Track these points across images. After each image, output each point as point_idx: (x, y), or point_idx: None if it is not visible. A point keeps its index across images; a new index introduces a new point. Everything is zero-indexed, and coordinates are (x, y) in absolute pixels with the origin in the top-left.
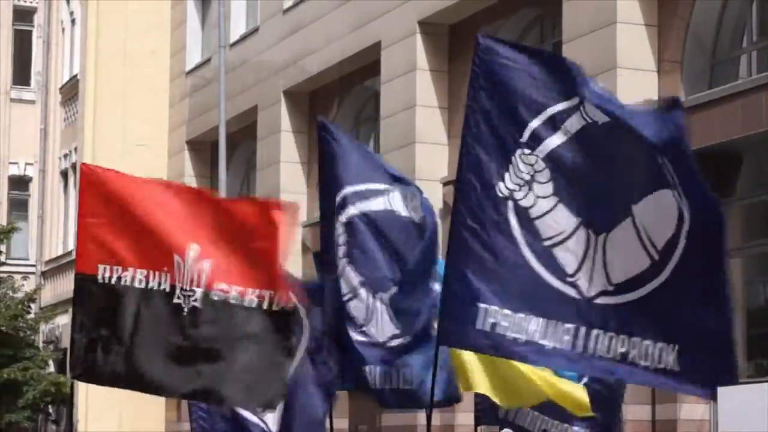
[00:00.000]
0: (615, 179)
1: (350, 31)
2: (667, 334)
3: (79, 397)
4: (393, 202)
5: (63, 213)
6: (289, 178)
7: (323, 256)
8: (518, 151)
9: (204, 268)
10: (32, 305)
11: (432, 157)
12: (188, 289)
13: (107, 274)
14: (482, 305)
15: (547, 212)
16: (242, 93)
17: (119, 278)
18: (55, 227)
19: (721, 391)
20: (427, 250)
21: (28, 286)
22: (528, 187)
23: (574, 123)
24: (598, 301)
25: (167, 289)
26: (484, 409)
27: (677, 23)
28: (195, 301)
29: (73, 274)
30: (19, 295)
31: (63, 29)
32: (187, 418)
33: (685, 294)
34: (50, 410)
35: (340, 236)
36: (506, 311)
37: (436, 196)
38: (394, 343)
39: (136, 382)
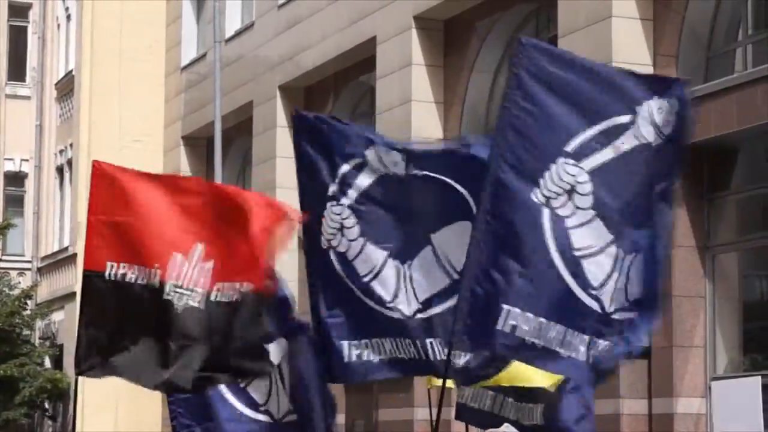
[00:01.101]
0: (641, 201)
1: (345, 27)
2: None
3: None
4: (374, 166)
5: (59, 209)
6: (284, 173)
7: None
8: (560, 160)
9: (207, 268)
10: (28, 302)
11: None
12: (188, 288)
13: (114, 271)
14: (505, 306)
15: (584, 224)
16: (238, 88)
17: (124, 275)
18: (50, 223)
19: (716, 384)
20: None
21: (24, 282)
22: (568, 196)
23: (625, 140)
24: (616, 316)
25: (156, 285)
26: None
27: (672, 17)
28: (195, 301)
29: (68, 270)
30: (15, 291)
31: (58, 25)
32: None
33: None
34: (47, 406)
35: (347, 219)
36: (529, 315)
37: None
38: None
39: (140, 377)
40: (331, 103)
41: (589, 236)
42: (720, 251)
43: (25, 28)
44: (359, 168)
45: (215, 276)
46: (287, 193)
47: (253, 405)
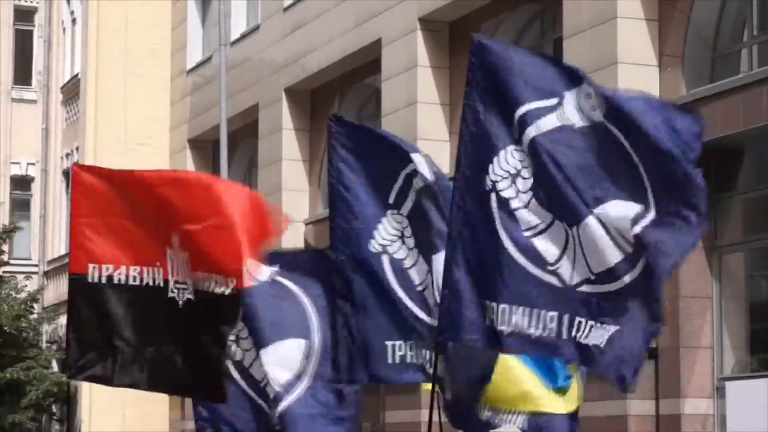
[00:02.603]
0: (580, 179)
1: (351, 29)
2: (643, 325)
3: (82, 397)
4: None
5: (65, 213)
6: (290, 175)
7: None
8: (510, 147)
9: (184, 258)
10: (35, 305)
11: (433, 154)
12: (181, 281)
13: (97, 273)
14: (478, 299)
15: (525, 205)
16: (243, 91)
17: (110, 277)
18: (57, 227)
19: (729, 384)
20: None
21: (31, 286)
22: (512, 180)
23: (548, 122)
24: (582, 288)
25: (161, 284)
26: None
27: (678, 17)
28: (189, 293)
29: None
30: (22, 295)
31: (64, 29)
32: (191, 417)
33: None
34: (54, 410)
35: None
36: (491, 303)
37: None
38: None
39: (134, 380)
40: (336, 106)
41: (533, 216)
42: (727, 251)
43: (30, 32)
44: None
45: (193, 266)
46: (293, 196)
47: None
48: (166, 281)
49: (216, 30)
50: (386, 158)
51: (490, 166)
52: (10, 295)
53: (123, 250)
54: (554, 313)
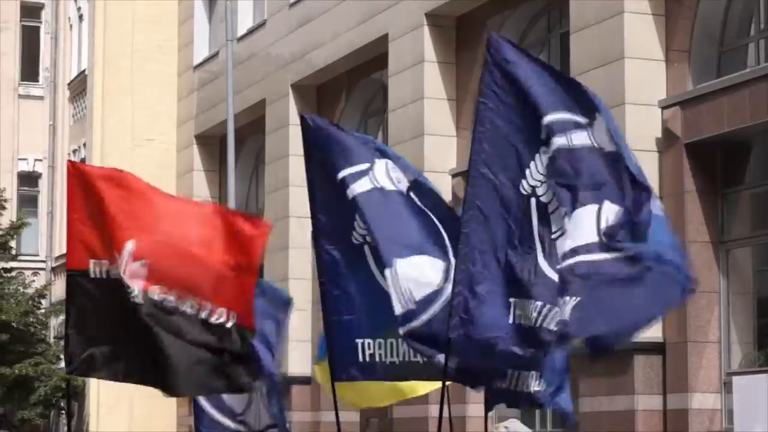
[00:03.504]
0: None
1: (357, 24)
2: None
3: (90, 392)
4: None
5: None
6: (297, 171)
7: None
8: (542, 149)
9: (137, 267)
10: (43, 301)
11: (440, 149)
12: (127, 285)
13: (98, 269)
14: (502, 298)
15: (558, 207)
16: (250, 87)
17: (108, 272)
18: (64, 223)
19: (736, 379)
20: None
21: (39, 281)
22: (547, 184)
23: (580, 137)
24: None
25: (115, 276)
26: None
27: (685, 12)
28: (135, 297)
29: None
30: (30, 290)
31: (70, 25)
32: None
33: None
34: (63, 405)
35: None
36: (524, 301)
37: (444, 187)
38: None
39: (130, 375)
40: (343, 101)
41: (560, 217)
42: (734, 246)
43: (37, 29)
44: (360, 175)
45: (151, 277)
46: (300, 191)
47: (230, 414)
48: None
49: (222, 26)
50: (352, 153)
51: (527, 170)
52: (18, 290)
53: (106, 247)
54: (539, 303)
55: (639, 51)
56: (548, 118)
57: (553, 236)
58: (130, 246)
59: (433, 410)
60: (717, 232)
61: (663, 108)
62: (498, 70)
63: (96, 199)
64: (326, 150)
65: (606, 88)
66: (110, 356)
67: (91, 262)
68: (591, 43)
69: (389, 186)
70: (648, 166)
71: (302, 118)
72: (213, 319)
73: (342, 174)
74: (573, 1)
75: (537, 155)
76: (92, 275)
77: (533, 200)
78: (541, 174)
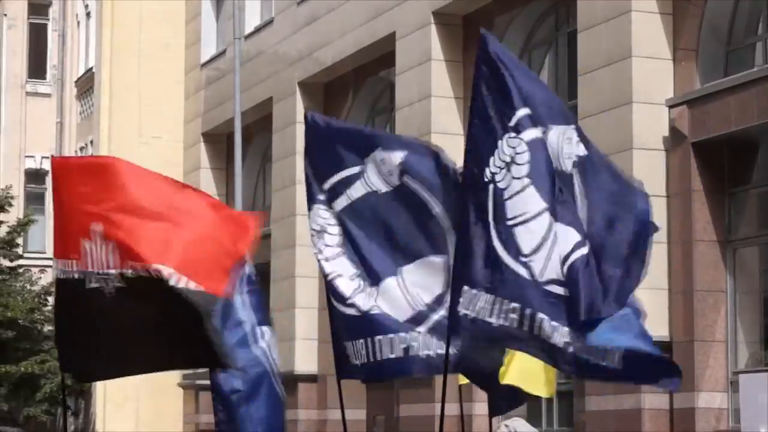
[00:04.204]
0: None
1: (365, 22)
2: (608, 334)
3: (96, 390)
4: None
5: None
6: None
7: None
8: (506, 136)
9: (111, 248)
10: (49, 298)
11: (447, 148)
12: (103, 272)
13: (68, 269)
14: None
15: (518, 192)
16: (257, 85)
17: (78, 271)
18: None
19: (743, 378)
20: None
21: (45, 279)
22: (507, 168)
23: (557, 132)
24: (548, 288)
25: (77, 276)
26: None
27: (692, 11)
28: (117, 282)
29: None
30: (36, 288)
31: (78, 23)
32: (205, 411)
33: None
34: (69, 403)
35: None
36: (465, 287)
37: None
38: None
39: (128, 369)
40: (350, 99)
41: (523, 204)
42: (741, 245)
43: (45, 26)
44: (354, 179)
45: (124, 256)
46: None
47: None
48: (83, 273)
49: (230, 24)
50: (351, 149)
51: (491, 158)
52: (25, 287)
53: (73, 246)
54: (517, 305)
55: (646, 50)
56: (524, 111)
57: (508, 223)
58: (98, 228)
59: (439, 409)
60: (724, 231)
61: (670, 107)
62: (485, 64)
63: (64, 193)
64: (321, 154)
65: (613, 86)
66: (104, 356)
67: (59, 261)
68: (598, 41)
69: (383, 188)
70: (655, 164)
71: (305, 116)
72: (191, 286)
73: (332, 181)
74: (580, 0)
75: (500, 141)
76: (61, 276)
77: (491, 186)
78: (502, 161)
